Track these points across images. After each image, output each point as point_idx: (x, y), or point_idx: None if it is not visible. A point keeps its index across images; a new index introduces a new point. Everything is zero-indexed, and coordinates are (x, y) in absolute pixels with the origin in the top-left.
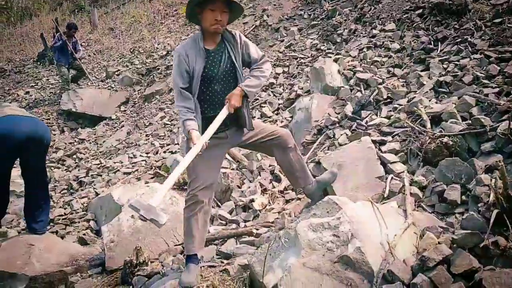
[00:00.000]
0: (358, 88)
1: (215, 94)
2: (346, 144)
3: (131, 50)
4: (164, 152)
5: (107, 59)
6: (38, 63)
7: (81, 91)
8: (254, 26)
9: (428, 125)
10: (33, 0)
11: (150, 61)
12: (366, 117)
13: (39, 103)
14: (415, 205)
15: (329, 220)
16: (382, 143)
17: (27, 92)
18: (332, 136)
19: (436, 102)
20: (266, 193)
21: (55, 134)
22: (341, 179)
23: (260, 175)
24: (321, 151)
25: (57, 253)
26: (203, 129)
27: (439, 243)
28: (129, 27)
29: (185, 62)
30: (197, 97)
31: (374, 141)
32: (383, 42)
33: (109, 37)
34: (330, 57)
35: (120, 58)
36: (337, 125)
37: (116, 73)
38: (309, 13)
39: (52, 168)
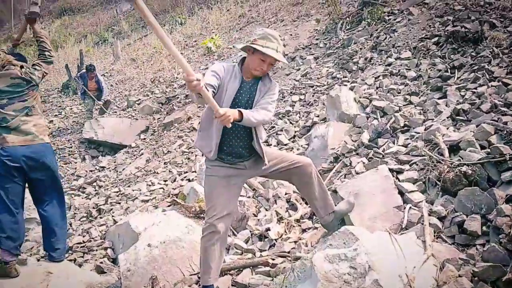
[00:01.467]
0: (375, 116)
1: (232, 125)
2: (363, 172)
3: (152, 80)
4: (182, 179)
5: (128, 89)
6: (63, 93)
7: (103, 120)
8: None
9: (446, 153)
10: (59, 33)
11: (170, 91)
12: (383, 145)
13: (62, 132)
14: (434, 236)
15: (345, 251)
16: (400, 171)
17: (51, 121)
18: (348, 164)
19: (454, 130)
20: (282, 222)
21: (76, 162)
22: (358, 208)
23: (276, 203)
24: (337, 179)
25: (74, 281)
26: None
27: (459, 276)
28: (150, 58)
29: (222, 72)
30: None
31: (391, 170)
32: (399, 70)
33: (131, 67)
34: (346, 85)
35: (141, 88)
36: (354, 153)
37: (137, 102)
38: (325, 42)
39: (73, 195)
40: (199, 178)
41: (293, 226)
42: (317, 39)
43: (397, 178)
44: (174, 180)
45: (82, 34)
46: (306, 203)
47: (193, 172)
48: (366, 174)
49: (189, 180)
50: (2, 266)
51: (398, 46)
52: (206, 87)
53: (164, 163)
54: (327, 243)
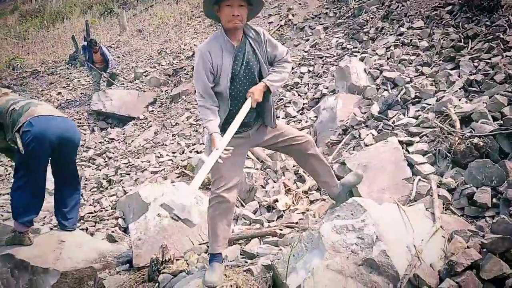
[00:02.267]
0: (385, 87)
1: (237, 93)
2: (372, 144)
3: (159, 52)
4: (190, 151)
5: (135, 61)
6: (70, 64)
7: (110, 92)
8: (279, 26)
9: (458, 125)
10: (64, 4)
11: (177, 62)
12: (393, 117)
13: (71, 103)
14: (443, 207)
15: (353, 222)
16: (410, 143)
17: (59, 93)
18: (357, 136)
19: (466, 102)
20: (290, 194)
21: (85, 134)
22: (366, 180)
23: (284, 175)
24: (346, 151)
25: (86, 249)
26: (226, 127)
27: (468, 247)
28: (156, 29)
29: (209, 62)
30: (228, 102)
31: (401, 142)
32: (411, 40)
33: (137, 38)
34: (356, 56)
35: (148, 60)
36: (363, 125)
37: (144, 74)
38: (335, 11)
39: (83, 166)
40: (207, 150)
41: (301, 198)
42: (326, 8)
43: (406, 150)
44: (183, 152)
45: (88, 5)
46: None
47: (201, 144)
48: (375, 146)
49: (197, 152)
50: (16, 235)
51: (411, 15)
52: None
53: (172, 135)
54: (334, 214)
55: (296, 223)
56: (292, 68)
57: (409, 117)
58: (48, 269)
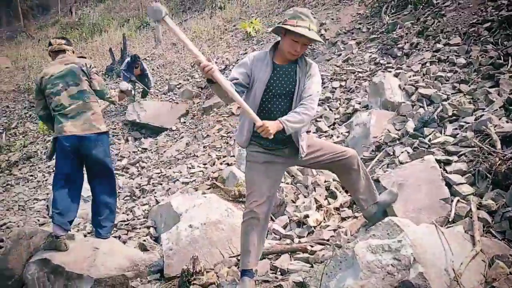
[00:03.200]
0: (421, 104)
1: (270, 111)
2: (407, 162)
3: (192, 64)
4: (221, 163)
5: (169, 73)
6: (106, 76)
7: (145, 103)
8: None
9: (498, 145)
10: (102, 17)
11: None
12: (429, 134)
13: (107, 113)
14: (483, 230)
15: (389, 242)
16: (447, 163)
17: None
18: (391, 154)
19: (507, 121)
20: (321, 210)
21: (120, 143)
22: (402, 199)
23: (315, 191)
24: (380, 168)
25: (119, 257)
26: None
27: (510, 273)
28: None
29: (249, 66)
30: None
31: (438, 161)
32: (447, 57)
33: (172, 52)
34: (390, 71)
35: (181, 72)
36: (397, 142)
37: (177, 86)
38: (368, 26)
39: (117, 175)
40: (238, 163)
41: (332, 214)
42: (359, 24)
43: (444, 169)
44: (213, 164)
45: (125, 18)
46: (346, 192)
47: (231, 156)
48: (411, 164)
49: (228, 164)
50: (53, 240)
51: (447, 31)
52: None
53: (204, 146)
54: (370, 233)
55: (328, 240)
56: (316, 112)
57: (446, 135)
58: (83, 275)
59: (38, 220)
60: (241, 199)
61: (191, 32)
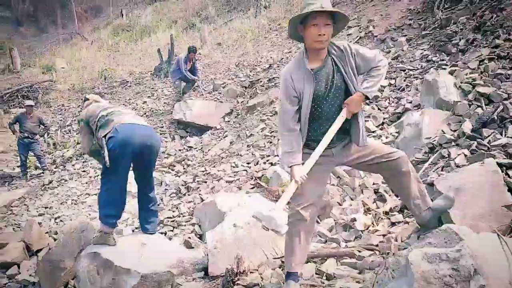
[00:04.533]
0: (478, 104)
1: (322, 113)
2: (464, 165)
3: (236, 64)
4: (264, 163)
5: (214, 72)
6: (155, 75)
7: (191, 102)
8: (358, 37)
9: None
10: (151, 19)
11: (254, 74)
12: (489, 136)
13: (154, 112)
14: None
15: (447, 251)
16: (510, 166)
17: (144, 102)
18: (446, 156)
19: None
20: (370, 213)
21: (167, 141)
22: (459, 205)
23: (362, 193)
24: (433, 171)
25: (165, 254)
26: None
27: None
28: (235, 42)
29: (292, 87)
30: (306, 125)
31: (500, 164)
32: (508, 53)
33: (217, 51)
34: (445, 68)
35: (226, 72)
36: (453, 143)
37: (222, 85)
38: (419, 22)
39: (164, 172)
40: (281, 163)
41: (381, 219)
42: (410, 19)
43: (506, 173)
44: (257, 163)
45: (173, 20)
46: (396, 195)
47: (275, 156)
48: (469, 167)
49: (271, 164)
50: (102, 235)
51: (507, 26)
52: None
53: (247, 145)
54: (425, 241)
55: (377, 245)
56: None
57: (508, 137)
58: (130, 270)
59: (89, 214)
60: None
61: (236, 32)
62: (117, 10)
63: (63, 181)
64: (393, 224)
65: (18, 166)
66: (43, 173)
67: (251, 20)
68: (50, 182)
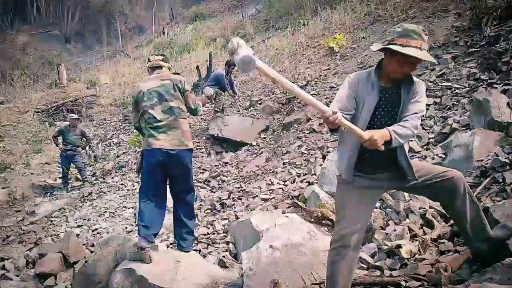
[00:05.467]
0: None
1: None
2: None
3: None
4: (301, 181)
5: (251, 89)
6: (193, 91)
7: (227, 118)
8: None
9: None
10: (191, 37)
11: None
12: None
13: (191, 127)
14: None
15: None
16: None
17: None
18: (501, 181)
19: None
20: (416, 240)
21: (202, 157)
22: None
23: (408, 218)
24: (486, 197)
25: (200, 273)
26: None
27: None
28: (272, 59)
29: (353, 88)
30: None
31: None
32: None
33: None
34: (495, 87)
35: (263, 88)
36: (508, 167)
37: (259, 102)
38: (466, 40)
39: (199, 187)
40: (320, 182)
41: (429, 246)
42: (456, 37)
43: None
44: (293, 181)
45: (211, 38)
46: (445, 221)
47: (313, 175)
48: None
49: (309, 183)
50: (138, 251)
51: None
52: (344, 117)
53: (283, 163)
54: (485, 276)
55: (424, 275)
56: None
57: None
58: None
59: (126, 228)
60: (324, 221)
61: (273, 49)
62: (159, 29)
63: (102, 193)
64: (441, 252)
65: (60, 178)
66: (83, 185)
67: (289, 37)
68: (90, 194)
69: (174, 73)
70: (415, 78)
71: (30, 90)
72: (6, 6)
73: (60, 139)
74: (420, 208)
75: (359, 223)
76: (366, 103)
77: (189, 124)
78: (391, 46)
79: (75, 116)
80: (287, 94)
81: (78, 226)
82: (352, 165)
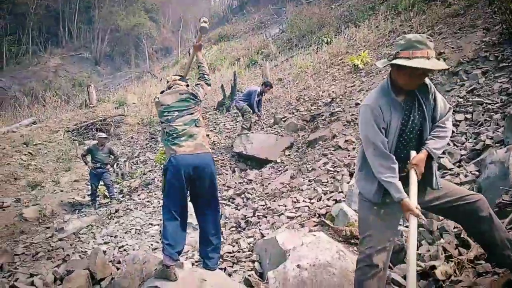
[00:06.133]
0: None
1: (400, 148)
2: None
3: (297, 98)
4: (328, 199)
5: (275, 107)
6: (217, 110)
7: (252, 136)
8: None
9: None
10: (216, 57)
11: (315, 108)
12: None
13: (216, 145)
14: None
15: None
16: None
17: (207, 135)
18: None
19: None
20: (451, 261)
21: (227, 174)
22: None
23: (442, 238)
24: None
25: None
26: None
27: None
28: (296, 77)
29: (381, 117)
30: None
31: None
32: None
33: (278, 86)
34: None
35: (287, 106)
36: None
37: (283, 119)
38: (496, 54)
39: (224, 205)
40: (348, 200)
41: (465, 267)
42: (485, 52)
43: None
44: (320, 199)
45: (236, 58)
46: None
47: (340, 192)
48: None
49: (336, 201)
50: (163, 269)
51: None
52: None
53: (309, 180)
54: None
55: None
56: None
57: None
58: None
59: (152, 245)
60: (353, 240)
61: (297, 68)
62: (185, 50)
63: (128, 210)
64: (479, 274)
65: (88, 195)
66: (110, 202)
67: (312, 56)
68: (117, 211)
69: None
70: (426, 81)
71: (61, 110)
72: (40, 31)
73: (89, 157)
74: (454, 227)
75: (384, 242)
76: (392, 126)
77: (213, 141)
78: (397, 61)
79: (104, 134)
80: (312, 111)
81: (105, 243)
82: (382, 188)
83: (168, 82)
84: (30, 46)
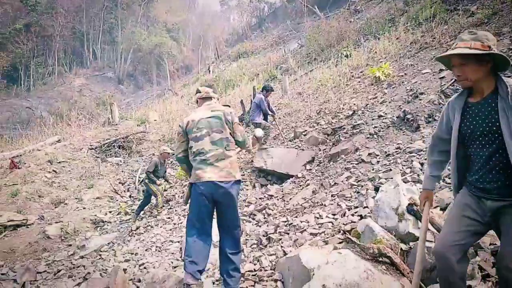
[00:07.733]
0: None
1: (475, 154)
2: None
3: (317, 112)
4: (352, 215)
5: (295, 121)
6: (241, 124)
7: (272, 150)
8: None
9: None
10: (235, 73)
11: (336, 121)
12: None
13: (237, 160)
14: None
15: None
16: None
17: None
18: None
19: None
20: (489, 280)
21: (247, 189)
22: None
23: (477, 255)
24: None
25: None
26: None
27: None
28: (315, 91)
29: (447, 114)
30: (455, 161)
31: None
32: None
33: (297, 100)
34: None
35: (307, 119)
36: None
37: (303, 133)
38: None
39: (244, 221)
40: (374, 215)
41: None
42: None
43: None
44: (344, 215)
45: (255, 73)
46: None
47: (365, 207)
48: None
49: (361, 217)
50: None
51: None
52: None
53: (332, 195)
54: None
55: None
56: None
57: None
58: None
59: (172, 263)
60: (381, 259)
61: (317, 81)
62: (205, 68)
63: (149, 227)
64: None
65: (110, 212)
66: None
67: (332, 69)
68: (137, 228)
69: (224, 105)
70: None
71: (85, 128)
72: (66, 52)
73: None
74: (490, 244)
75: (455, 240)
76: (454, 126)
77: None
78: (441, 56)
79: (168, 149)
80: (333, 124)
81: (126, 261)
82: (456, 184)
83: (200, 92)
84: (56, 67)
